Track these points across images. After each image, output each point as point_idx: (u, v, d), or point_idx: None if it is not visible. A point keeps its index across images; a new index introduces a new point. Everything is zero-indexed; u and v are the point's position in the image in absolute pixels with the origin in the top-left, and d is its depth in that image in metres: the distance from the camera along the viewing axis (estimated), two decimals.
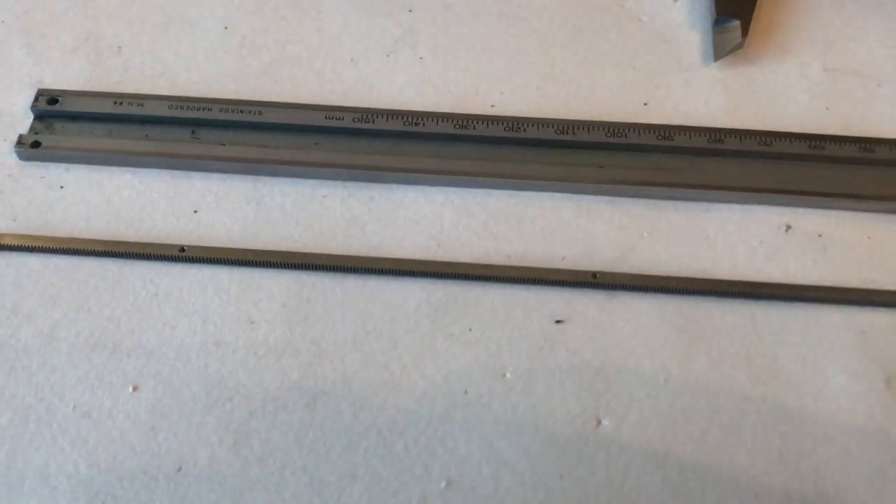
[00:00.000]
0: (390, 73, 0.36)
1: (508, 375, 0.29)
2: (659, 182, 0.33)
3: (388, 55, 0.36)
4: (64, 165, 0.33)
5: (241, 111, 0.34)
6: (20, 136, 0.33)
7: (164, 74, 0.36)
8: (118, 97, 0.34)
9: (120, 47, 0.36)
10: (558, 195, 0.33)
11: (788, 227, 0.32)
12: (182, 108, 0.34)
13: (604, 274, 0.31)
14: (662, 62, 0.36)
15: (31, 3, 0.38)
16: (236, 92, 0.35)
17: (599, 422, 0.28)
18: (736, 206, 0.32)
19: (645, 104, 0.35)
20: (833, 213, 0.32)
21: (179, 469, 0.27)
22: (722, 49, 0.36)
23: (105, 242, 0.31)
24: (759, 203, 0.32)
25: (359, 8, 0.37)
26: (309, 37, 0.37)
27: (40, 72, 0.36)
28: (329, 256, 0.31)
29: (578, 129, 0.33)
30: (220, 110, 0.34)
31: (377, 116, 0.34)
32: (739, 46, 0.35)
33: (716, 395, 0.28)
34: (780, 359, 0.29)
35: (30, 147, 0.33)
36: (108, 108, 0.34)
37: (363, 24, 0.37)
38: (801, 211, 0.32)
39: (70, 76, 0.35)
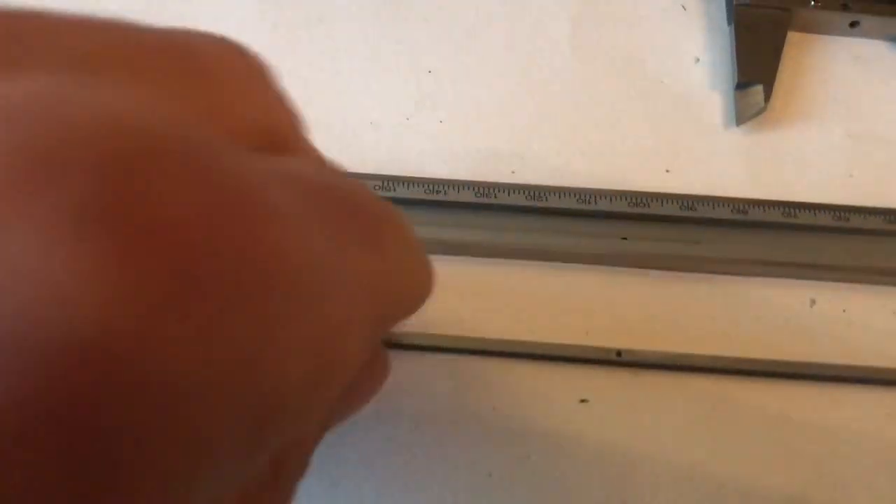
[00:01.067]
0: (410, 137, 0.36)
1: (533, 458, 0.29)
2: (682, 255, 0.32)
3: (407, 118, 0.36)
4: None
5: None
6: None
7: None
8: None
9: None
10: (580, 266, 0.33)
11: (813, 302, 0.32)
12: None
13: (628, 352, 0.30)
14: (684, 126, 0.36)
15: None
16: None
17: (624, 501, 0.28)
18: (760, 280, 0.32)
19: (667, 171, 0.35)
20: (858, 286, 0.32)
21: None
22: (744, 113, 0.35)
23: None
24: (784, 276, 0.32)
25: (378, 70, 0.37)
26: (329, 99, 0.36)
27: None
28: None
29: (600, 198, 0.33)
30: None
31: (398, 184, 0.33)
32: (762, 111, 0.35)
33: (745, 483, 0.28)
34: (810, 441, 0.29)
35: None
36: None
37: (383, 87, 0.37)
38: (825, 285, 0.32)
39: None
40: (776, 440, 0.29)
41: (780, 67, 0.36)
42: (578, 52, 0.37)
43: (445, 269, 0.32)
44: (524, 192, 0.33)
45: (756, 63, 0.36)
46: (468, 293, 0.32)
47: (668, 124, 0.36)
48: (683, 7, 0.39)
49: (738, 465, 0.28)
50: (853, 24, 0.37)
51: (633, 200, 0.33)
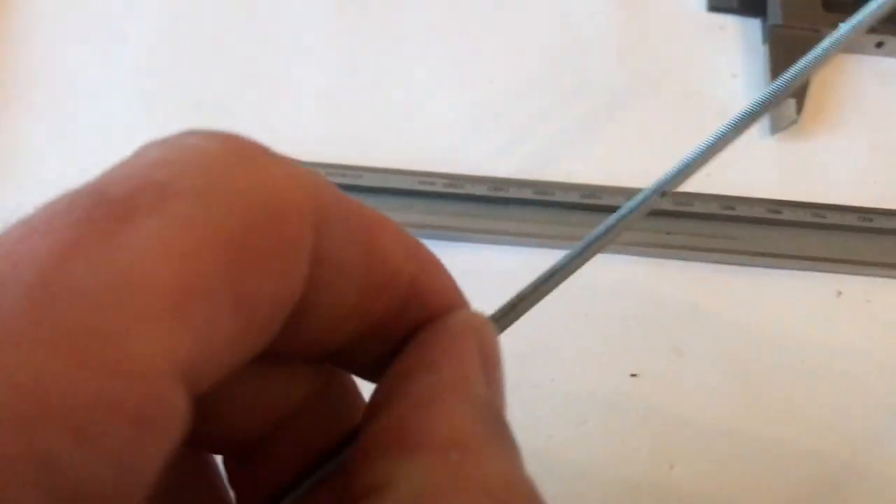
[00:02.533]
0: (475, 140, 0.39)
1: (588, 423, 0.32)
2: (721, 249, 0.36)
3: (472, 123, 0.40)
4: None
5: (345, 175, 0.37)
6: None
7: (267, 140, 0.39)
8: None
9: (228, 109, 0.40)
10: (629, 257, 0.36)
11: (839, 293, 0.35)
12: None
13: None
14: None
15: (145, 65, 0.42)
16: (335, 157, 0.39)
17: (672, 467, 0.31)
18: (790, 273, 0.36)
19: (707, 174, 0.38)
20: (880, 280, 0.35)
21: None
22: (778, 124, 0.39)
23: None
24: (813, 270, 0.36)
25: (445, 79, 0.41)
26: (401, 106, 0.40)
27: None
28: None
29: None
30: (326, 173, 0.37)
31: (465, 182, 0.37)
32: (794, 122, 0.39)
33: (770, 446, 0.32)
34: (830, 412, 0.32)
35: None
36: None
37: (449, 94, 0.41)
38: (851, 278, 0.35)
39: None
40: (799, 412, 0.32)
41: (811, 83, 0.40)
42: (624, 65, 0.41)
43: (505, 257, 0.36)
44: (579, 191, 0.37)
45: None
46: (528, 278, 0.36)
47: (707, 132, 0.40)
48: (721, 27, 0.42)
49: (763, 432, 0.32)
50: (879, 45, 0.41)
51: (678, 199, 0.37)
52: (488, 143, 0.39)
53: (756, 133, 0.40)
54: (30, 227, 0.11)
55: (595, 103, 0.41)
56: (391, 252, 0.15)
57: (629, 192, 0.37)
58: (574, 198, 0.37)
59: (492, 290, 0.36)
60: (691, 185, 0.38)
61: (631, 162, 0.39)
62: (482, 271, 0.36)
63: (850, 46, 0.41)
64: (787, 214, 0.36)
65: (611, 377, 0.33)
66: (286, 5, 0.42)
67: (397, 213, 0.36)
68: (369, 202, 0.15)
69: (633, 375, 0.33)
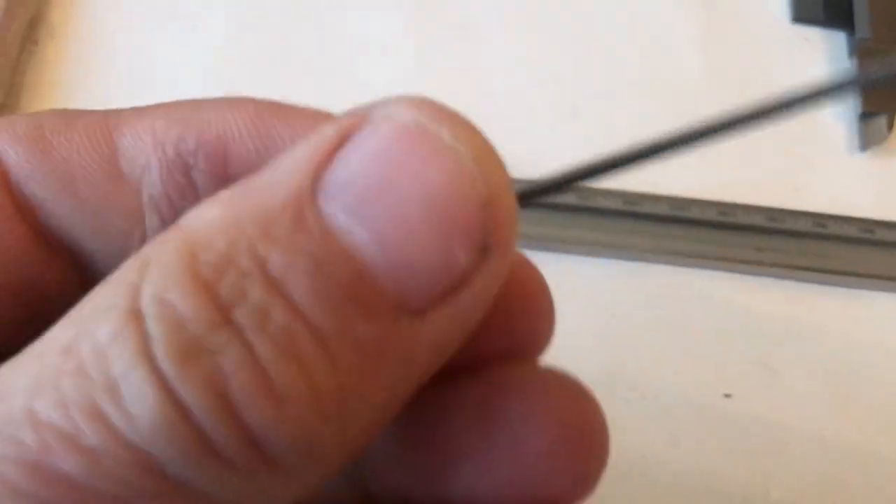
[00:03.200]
0: (557, 145, 0.39)
1: (681, 444, 0.32)
2: (813, 267, 0.35)
3: (552, 127, 0.39)
4: None
5: None
6: None
7: None
8: None
9: None
10: (717, 273, 0.35)
11: None
12: None
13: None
14: (812, 150, 0.39)
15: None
16: None
17: (769, 490, 0.31)
18: (886, 295, 0.35)
19: (796, 189, 0.38)
20: None
21: None
22: (869, 140, 0.38)
23: None
24: None
25: (523, 81, 0.40)
26: (476, 107, 0.39)
27: None
28: None
29: (738, 211, 0.36)
30: None
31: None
32: (885, 138, 0.38)
33: (871, 466, 0.31)
34: None
35: None
36: None
37: (530, 97, 0.40)
38: None
39: None
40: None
41: None
42: (710, 76, 0.40)
43: (595, 270, 0.36)
44: (668, 203, 0.36)
45: (879, 94, 0.39)
46: (620, 291, 0.35)
47: (795, 147, 0.39)
48: (806, 39, 0.42)
49: (861, 450, 0.31)
50: None
51: (769, 215, 0.36)
52: (571, 149, 0.39)
53: (844, 148, 0.39)
54: None
55: (679, 113, 0.40)
56: None
57: (720, 207, 0.36)
58: (663, 210, 0.36)
59: (577, 301, 0.35)
60: (780, 201, 0.37)
61: (717, 174, 0.38)
62: (570, 284, 0.35)
63: None
64: (880, 234, 0.36)
65: (703, 396, 0.33)
66: (356, 2, 0.42)
67: None
68: None
69: (726, 395, 0.33)
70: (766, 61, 0.41)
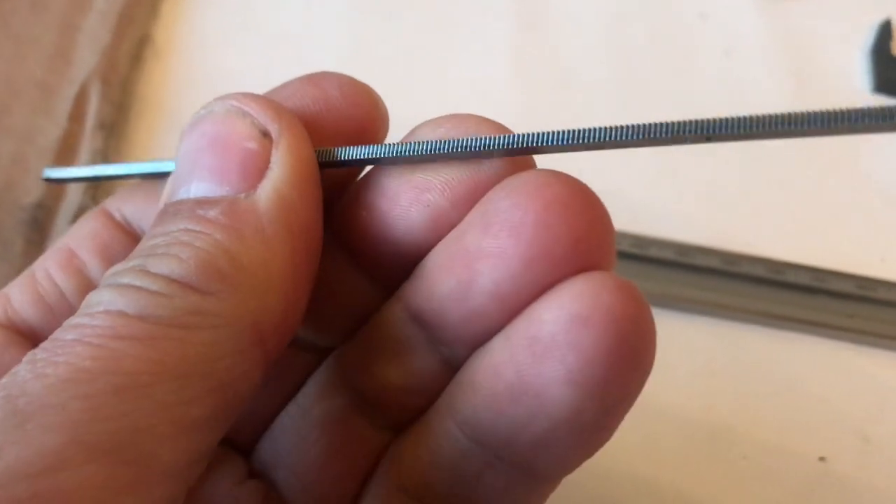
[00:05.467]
0: (658, 201, 0.39)
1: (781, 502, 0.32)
2: None
3: (647, 187, 0.40)
4: None
5: None
6: None
7: None
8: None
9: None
10: (808, 338, 0.36)
11: None
12: None
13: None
14: (894, 220, 0.40)
15: None
16: None
17: None
18: None
19: (882, 260, 0.39)
20: None
21: None
22: None
23: None
24: None
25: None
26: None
27: None
28: None
29: (830, 278, 0.37)
30: None
31: (651, 246, 0.37)
32: None
33: None
34: None
35: None
36: None
37: (626, 155, 0.41)
38: None
39: None
40: None
41: None
42: (797, 150, 0.42)
43: (690, 327, 0.36)
44: (765, 265, 0.37)
45: None
46: (718, 352, 0.36)
47: (879, 217, 0.40)
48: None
49: None
50: None
51: (861, 283, 0.37)
52: (672, 206, 0.39)
53: None
54: None
55: (768, 178, 0.41)
56: None
57: (812, 273, 0.37)
58: (759, 271, 0.37)
59: (678, 357, 0.36)
60: (863, 268, 0.38)
61: (808, 239, 0.39)
62: (667, 338, 0.36)
63: None
64: None
65: (799, 459, 0.33)
66: (462, 10, 0.43)
67: None
68: None
69: (821, 459, 0.33)
70: (855, 139, 0.42)
